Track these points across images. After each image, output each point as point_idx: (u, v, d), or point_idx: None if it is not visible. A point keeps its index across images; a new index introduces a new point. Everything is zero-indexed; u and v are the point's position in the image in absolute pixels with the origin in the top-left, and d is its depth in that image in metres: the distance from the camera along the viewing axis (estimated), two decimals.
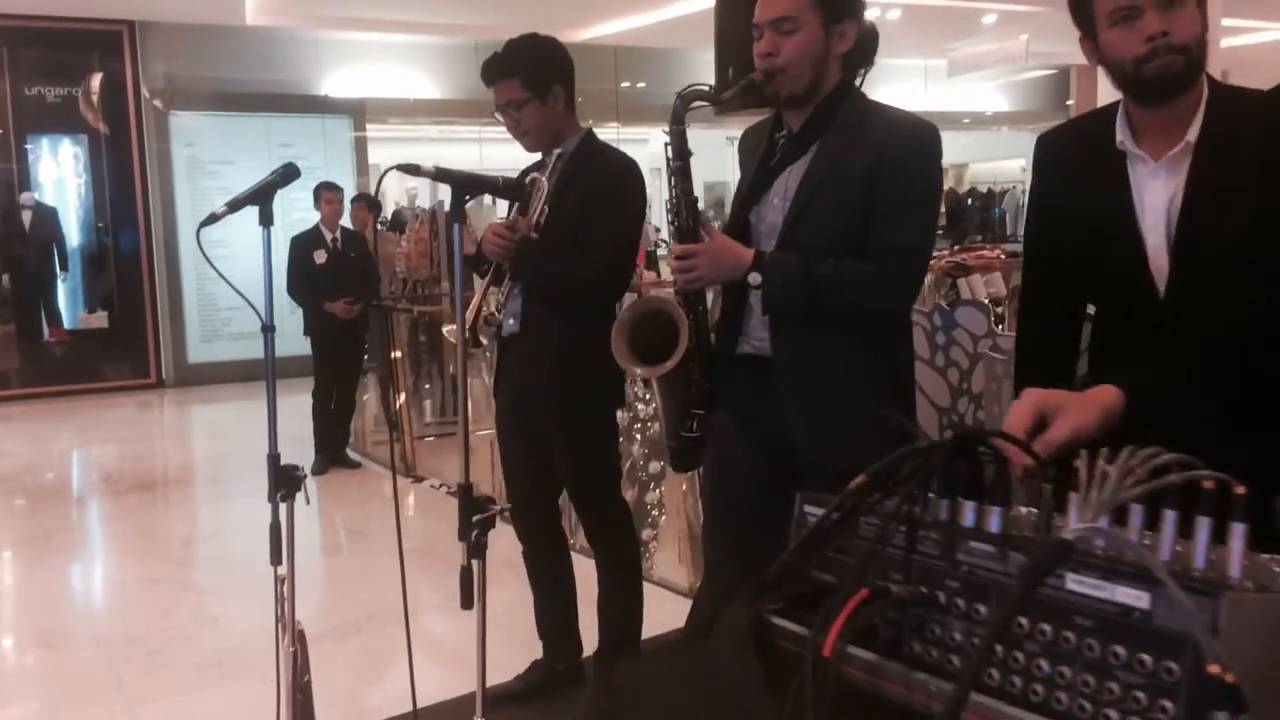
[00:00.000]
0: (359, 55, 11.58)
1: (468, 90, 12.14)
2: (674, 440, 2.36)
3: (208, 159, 10.88)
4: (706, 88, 2.16)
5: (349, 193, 8.22)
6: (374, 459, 7.35)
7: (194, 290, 10.93)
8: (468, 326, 2.95)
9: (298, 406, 6.63)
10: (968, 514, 1.02)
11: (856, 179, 2.10)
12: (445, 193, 8.26)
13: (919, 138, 2.13)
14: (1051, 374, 2.03)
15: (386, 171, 2.02)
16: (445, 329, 3.25)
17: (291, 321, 6.70)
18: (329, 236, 6.80)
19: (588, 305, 2.88)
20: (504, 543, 5.40)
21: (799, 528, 1.16)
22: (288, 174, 2.29)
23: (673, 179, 2.15)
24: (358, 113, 11.57)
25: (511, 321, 2.90)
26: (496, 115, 2.86)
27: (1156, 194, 1.80)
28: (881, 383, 2.20)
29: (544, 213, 2.80)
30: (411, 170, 2.00)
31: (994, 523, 0.99)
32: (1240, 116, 1.75)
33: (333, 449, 6.96)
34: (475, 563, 2.02)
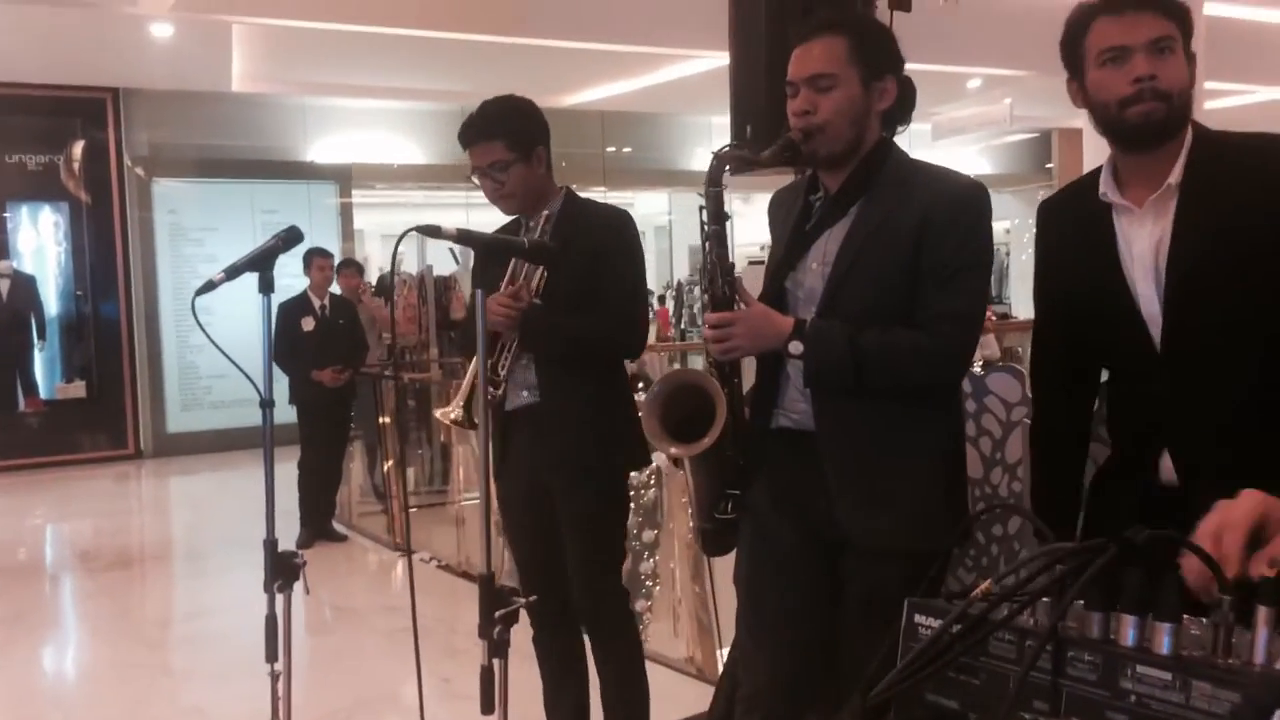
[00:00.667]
0: (345, 121, 11.55)
1: (454, 155, 12.02)
2: (708, 523, 2.19)
3: (190, 226, 10.75)
4: (744, 149, 2.04)
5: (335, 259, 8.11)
6: (360, 531, 7.13)
7: (174, 358, 10.73)
8: (461, 405, 2.77)
9: (282, 477, 6.44)
10: (1128, 631, 0.87)
11: (903, 240, 1.97)
12: (435, 257, 8.09)
13: (969, 196, 2.01)
14: (1068, 442, 2.09)
15: (405, 233, 1.87)
16: (438, 412, 3.06)
17: (278, 389, 6.55)
18: (317, 303, 6.65)
19: (604, 367, 2.76)
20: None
21: (908, 641, 1.00)
22: (290, 238, 2.15)
23: (707, 244, 2.01)
24: (343, 178, 11.50)
25: (525, 394, 2.74)
26: (473, 179, 2.75)
27: (1143, 241, 1.81)
28: (934, 457, 2.06)
29: (543, 277, 2.66)
30: (432, 233, 1.86)
31: (1164, 643, 0.84)
32: (1224, 159, 1.77)
33: (318, 522, 6.74)
34: (497, 661, 1.84)
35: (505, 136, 2.67)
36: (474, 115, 2.72)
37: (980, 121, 11.53)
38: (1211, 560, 0.83)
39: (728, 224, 2.06)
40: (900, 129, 2.13)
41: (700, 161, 14.14)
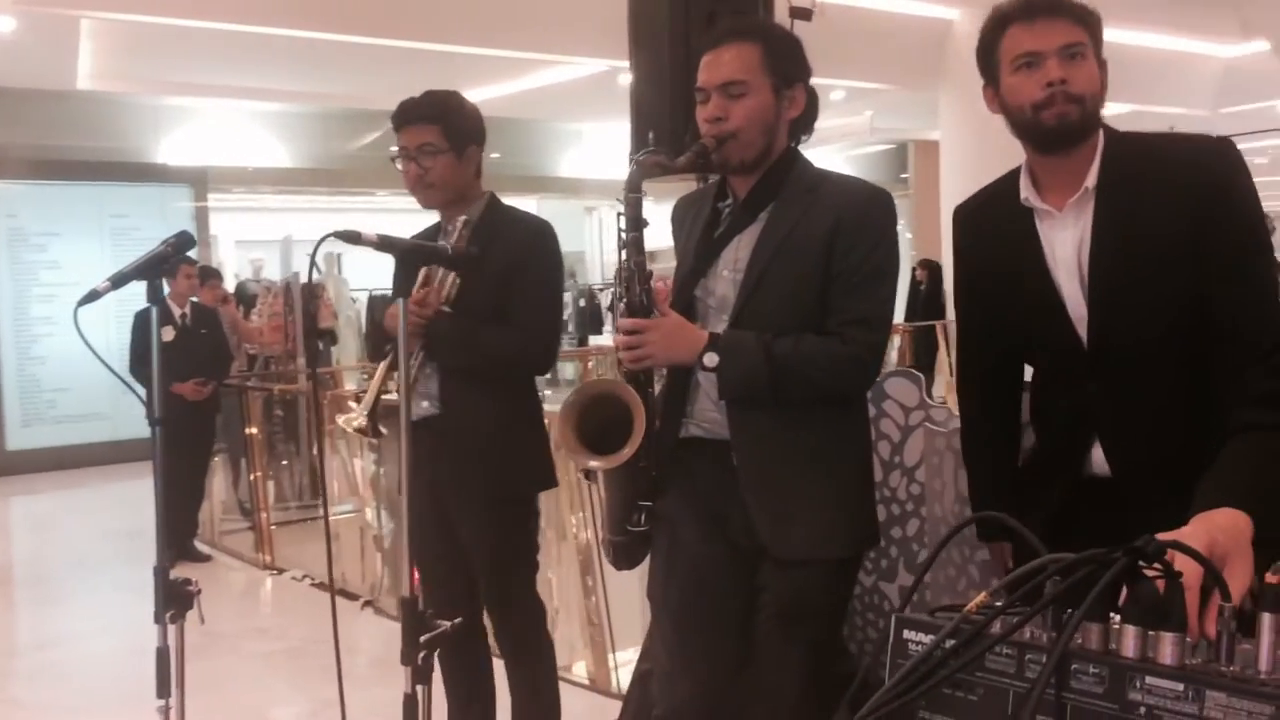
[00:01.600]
0: (200, 121, 11.08)
1: (319, 159, 11.78)
2: (619, 535, 2.15)
3: (32, 231, 10.10)
4: (661, 155, 2.01)
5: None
6: (224, 550, 6.83)
7: (14, 371, 10.06)
8: (366, 414, 2.67)
9: (137, 495, 6.12)
10: (1128, 642, 0.86)
11: (814, 246, 1.98)
12: (299, 264, 7.85)
13: (876, 204, 2.03)
14: (999, 440, 2.15)
15: (324, 238, 1.77)
16: (341, 419, 2.94)
17: (126, 402, 6.19)
18: (178, 312, 6.34)
19: (514, 381, 2.68)
20: (375, 633, 5.08)
21: (896, 657, 0.98)
22: (181, 244, 2.01)
23: (624, 251, 1.97)
24: (198, 181, 11.03)
25: (426, 404, 2.64)
26: (395, 162, 2.64)
27: (1065, 243, 1.87)
28: (846, 464, 2.07)
29: (455, 284, 2.58)
30: (351, 238, 1.77)
31: (1168, 653, 0.84)
32: (1137, 159, 1.84)
33: (179, 541, 6.42)
34: (420, 689, 1.75)
35: (442, 123, 2.59)
36: (414, 98, 2.64)
37: (843, 132, 11.86)
38: (1217, 572, 0.84)
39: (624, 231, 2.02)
40: (804, 138, 2.14)
41: (569, 168, 14.11)
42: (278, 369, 7.57)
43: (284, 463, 7.58)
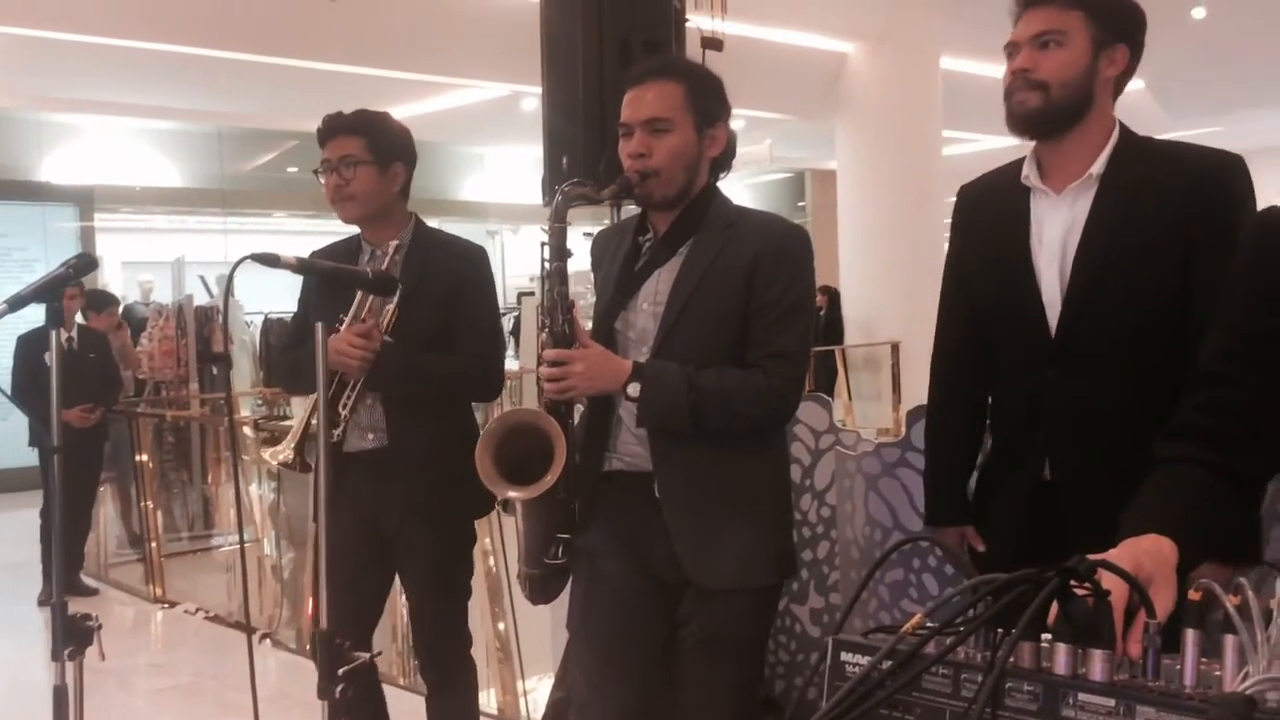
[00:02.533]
0: (87, 139, 10.71)
1: (213, 179, 11.48)
2: (535, 568, 2.13)
3: None
4: (586, 186, 2.02)
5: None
6: (114, 583, 6.56)
7: None
8: (293, 447, 2.59)
9: (19, 526, 5.84)
10: (1059, 659, 0.89)
11: (734, 281, 2.01)
12: (192, 286, 7.59)
13: (794, 240, 2.08)
14: (958, 436, 2.14)
15: (241, 260, 1.72)
16: (267, 453, 2.85)
17: (7, 428, 5.92)
18: (63, 335, 6.08)
19: (456, 406, 2.65)
20: (274, 666, 4.93)
21: (835, 680, 1.00)
22: (82, 266, 1.94)
23: (547, 281, 1.98)
24: (84, 200, 10.64)
25: (371, 437, 2.59)
26: (319, 174, 2.60)
27: (1056, 225, 1.88)
28: (768, 493, 2.10)
29: (394, 313, 2.53)
30: (270, 261, 1.72)
31: (1098, 670, 0.87)
32: (1146, 158, 1.86)
33: (63, 574, 6.14)
34: None
35: (368, 137, 2.56)
36: (342, 112, 2.62)
37: (743, 160, 12.00)
38: (1142, 590, 0.87)
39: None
40: (724, 175, 2.17)
41: (471, 191, 14.03)
42: (169, 394, 7.33)
43: (175, 491, 7.33)
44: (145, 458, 6.45)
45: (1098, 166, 1.85)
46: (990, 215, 2.00)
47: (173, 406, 7.18)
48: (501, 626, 4.17)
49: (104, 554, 6.87)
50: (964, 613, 0.93)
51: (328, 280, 1.85)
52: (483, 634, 4.35)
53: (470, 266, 2.64)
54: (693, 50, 3.03)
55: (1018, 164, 1.97)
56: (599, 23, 2.74)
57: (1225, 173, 1.83)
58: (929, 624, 0.95)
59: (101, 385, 6.26)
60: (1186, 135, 12.45)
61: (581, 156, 2.70)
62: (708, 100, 2.06)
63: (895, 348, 9.20)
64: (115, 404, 6.43)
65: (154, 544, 6.38)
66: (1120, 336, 1.84)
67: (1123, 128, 1.90)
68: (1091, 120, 1.85)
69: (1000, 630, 0.92)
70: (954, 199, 2.15)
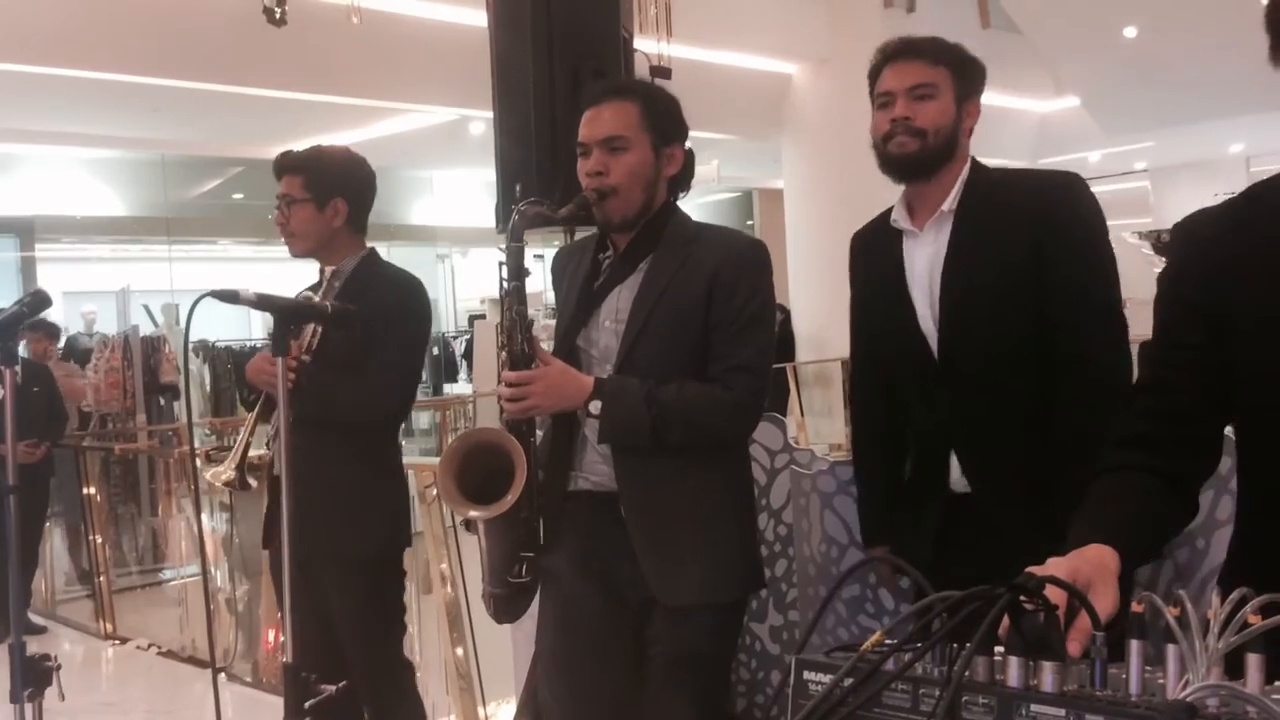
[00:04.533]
0: (27, 168, 10.52)
1: (156, 207, 11.33)
2: (499, 587, 2.13)
3: None
4: (543, 205, 2.04)
5: None
6: (62, 620, 6.43)
7: None
8: (234, 467, 2.60)
9: None
10: (1012, 672, 0.93)
11: (694, 295, 2.04)
12: (137, 316, 7.49)
13: (753, 255, 2.11)
14: (878, 457, 2.28)
15: (201, 298, 1.72)
16: (209, 474, 2.84)
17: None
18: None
19: (372, 435, 2.65)
20: (230, 700, 4.85)
21: (798, 698, 1.03)
22: (37, 303, 1.93)
23: (505, 300, 1.99)
24: (25, 231, 10.48)
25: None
26: (277, 207, 2.68)
27: (922, 261, 2.06)
28: (731, 509, 2.12)
29: (317, 334, 2.56)
30: (229, 297, 1.73)
31: (1048, 681, 0.91)
32: (993, 187, 2.04)
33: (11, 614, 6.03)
34: None
35: (306, 174, 2.64)
36: (292, 150, 2.71)
37: (692, 180, 12.11)
38: (1086, 600, 0.92)
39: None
40: (682, 194, 2.20)
41: (420, 215, 13.98)
42: (116, 427, 7.21)
43: (123, 525, 7.21)
44: (93, 490, 6.34)
45: (949, 202, 2.02)
46: (874, 258, 2.17)
47: (119, 439, 7.06)
48: (460, 652, 4.15)
49: (52, 590, 6.74)
50: (920, 629, 0.96)
51: (285, 315, 1.85)
52: (442, 659, 4.32)
53: (398, 298, 2.67)
54: (642, 78, 3.07)
55: (891, 210, 2.15)
56: (550, 50, 2.76)
57: (1067, 191, 2.02)
58: (887, 641, 0.99)
59: (46, 419, 6.16)
60: (1119, 150, 12.78)
61: (534, 182, 2.72)
62: (664, 119, 2.09)
63: (846, 363, 9.29)
64: (61, 438, 6.32)
65: (102, 579, 6.27)
66: (996, 353, 2.00)
67: (974, 163, 2.07)
68: (954, 165, 2.04)
69: (955, 645, 0.96)
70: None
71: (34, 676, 1.94)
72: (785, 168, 10.35)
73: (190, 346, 9.91)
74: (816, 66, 9.77)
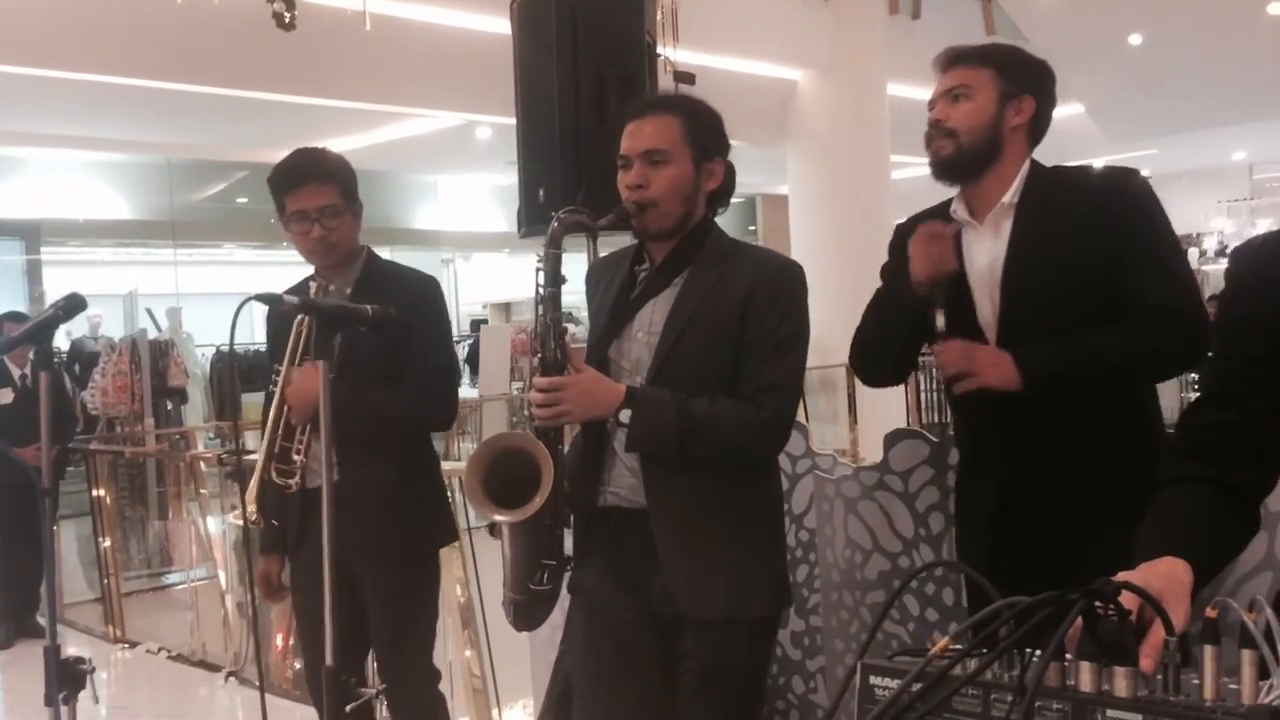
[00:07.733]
0: (33, 172, 10.52)
1: (161, 211, 11.34)
2: (521, 594, 2.13)
3: None
4: (582, 214, 2.05)
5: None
6: (69, 623, 6.42)
7: None
8: (254, 504, 2.57)
9: None
10: (1086, 677, 0.93)
11: (728, 313, 2.04)
12: (145, 319, 7.47)
13: (789, 274, 2.10)
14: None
15: (245, 302, 1.72)
16: (233, 515, 2.82)
17: None
18: (17, 373, 5.99)
19: (410, 438, 2.64)
20: (240, 704, 4.83)
21: (865, 703, 1.03)
22: (71, 306, 1.93)
23: (541, 306, 2.00)
24: (30, 234, 10.48)
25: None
26: (289, 224, 2.57)
27: (983, 255, 2.09)
28: (760, 524, 2.12)
29: (339, 346, 2.52)
30: (274, 302, 1.73)
31: (1123, 686, 0.91)
32: (1056, 185, 2.06)
33: (20, 617, 6.02)
34: None
35: (338, 183, 2.56)
36: (302, 159, 2.58)
37: None
38: (1161, 609, 0.92)
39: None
40: (720, 210, 2.20)
41: (424, 220, 13.99)
42: (125, 430, 7.21)
43: (131, 528, 7.20)
44: (103, 493, 6.35)
45: (1010, 196, 2.05)
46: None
47: (127, 442, 7.06)
48: (472, 654, 4.16)
49: (60, 594, 6.73)
50: (989, 634, 0.96)
51: (327, 319, 1.84)
52: (456, 663, 4.32)
53: (421, 298, 2.63)
54: (664, 83, 3.08)
55: (948, 203, 2.17)
56: (574, 56, 2.76)
57: (1123, 179, 2.06)
58: (953, 646, 0.99)
59: (55, 422, 6.16)
60: (1124, 158, 12.81)
61: (559, 188, 2.73)
62: (706, 134, 2.10)
63: (850, 369, 9.29)
64: (70, 441, 6.32)
65: (109, 580, 6.26)
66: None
67: (1033, 162, 2.10)
68: (1005, 163, 2.06)
69: (1026, 650, 0.96)
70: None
71: (69, 679, 1.95)
72: (790, 174, 10.36)
73: (196, 350, 9.92)
74: (822, 73, 9.78)
